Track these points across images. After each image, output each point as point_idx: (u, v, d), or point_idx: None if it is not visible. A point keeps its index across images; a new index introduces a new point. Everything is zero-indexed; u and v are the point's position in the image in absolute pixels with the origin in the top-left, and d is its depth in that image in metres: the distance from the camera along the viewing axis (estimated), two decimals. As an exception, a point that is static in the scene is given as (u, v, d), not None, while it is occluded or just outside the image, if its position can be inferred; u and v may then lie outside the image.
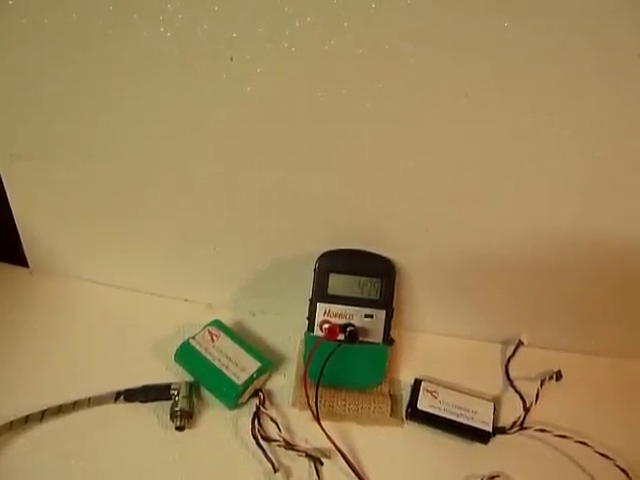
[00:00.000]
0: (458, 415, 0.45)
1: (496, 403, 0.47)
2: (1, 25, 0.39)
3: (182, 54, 0.39)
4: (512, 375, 0.51)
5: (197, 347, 0.48)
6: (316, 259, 0.48)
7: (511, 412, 0.47)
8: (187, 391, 0.45)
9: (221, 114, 0.42)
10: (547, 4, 0.33)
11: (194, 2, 0.36)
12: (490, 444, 0.45)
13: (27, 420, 0.42)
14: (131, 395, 0.45)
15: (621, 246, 0.45)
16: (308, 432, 0.44)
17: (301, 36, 0.36)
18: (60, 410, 0.43)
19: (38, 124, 0.45)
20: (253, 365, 0.47)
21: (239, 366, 0.46)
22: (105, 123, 0.44)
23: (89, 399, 0.44)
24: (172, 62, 0.39)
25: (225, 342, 0.48)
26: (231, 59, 0.38)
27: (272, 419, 0.44)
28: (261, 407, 0.45)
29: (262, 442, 0.43)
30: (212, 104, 0.41)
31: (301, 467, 0.42)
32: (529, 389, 0.49)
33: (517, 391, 0.49)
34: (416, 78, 0.38)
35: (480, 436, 0.45)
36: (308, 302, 0.48)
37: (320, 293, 0.47)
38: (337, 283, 0.47)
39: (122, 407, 0.45)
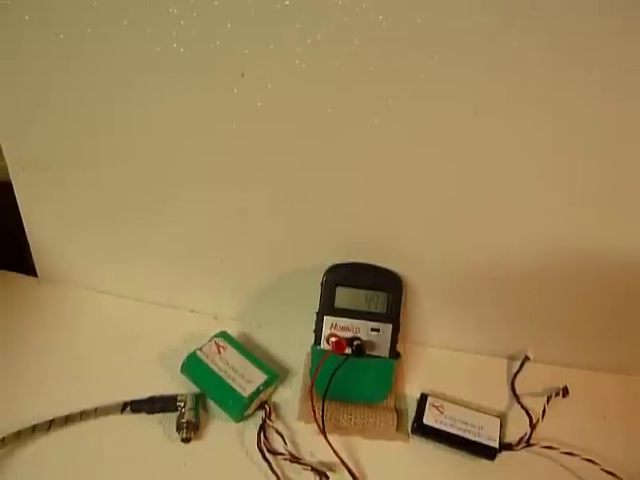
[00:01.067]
0: (464, 430, 0.45)
1: (502, 419, 0.47)
2: (15, 39, 0.40)
3: (194, 69, 0.39)
4: (518, 391, 0.51)
5: (204, 359, 0.48)
6: (323, 272, 0.48)
7: (517, 428, 0.47)
8: (193, 403, 0.45)
9: (231, 128, 0.42)
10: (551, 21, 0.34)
11: (207, 19, 0.37)
12: (496, 460, 0.44)
13: (34, 430, 0.42)
14: (137, 406, 0.45)
15: (627, 263, 0.45)
16: (314, 445, 0.44)
17: (312, 53, 0.37)
18: (67, 420, 0.44)
19: (48, 136, 0.46)
20: (259, 377, 0.47)
21: (245, 378, 0.46)
22: (115, 136, 0.45)
23: (96, 409, 0.44)
24: (184, 76, 0.40)
25: (231, 354, 0.48)
26: (242, 75, 0.39)
27: (278, 432, 0.44)
28: (267, 420, 0.45)
29: (268, 455, 0.43)
30: (223, 118, 0.42)
31: (306, 481, 0.42)
32: (535, 405, 0.48)
33: (523, 407, 0.49)
34: (425, 94, 0.38)
35: (486, 452, 0.44)
36: (315, 315, 0.48)
37: (327, 306, 0.48)
38: (344, 296, 0.48)
39: (128, 418, 0.45)
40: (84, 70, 0.41)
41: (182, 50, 0.38)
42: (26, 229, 0.54)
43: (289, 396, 0.49)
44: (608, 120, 0.38)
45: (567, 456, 0.44)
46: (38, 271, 0.57)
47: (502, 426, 0.47)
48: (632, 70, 0.35)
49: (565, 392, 0.50)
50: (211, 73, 0.39)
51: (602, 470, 0.43)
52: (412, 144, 0.41)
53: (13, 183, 0.50)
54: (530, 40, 0.35)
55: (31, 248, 0.55)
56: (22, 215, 0.52)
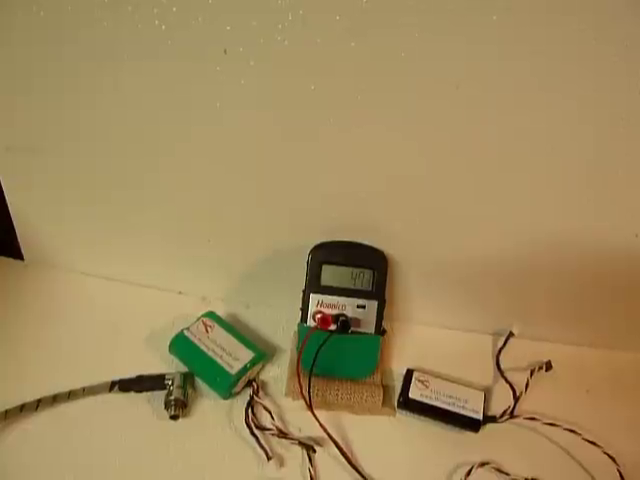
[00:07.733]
0: (449, 404, 0.46)
1: (487, 393, 0.48)
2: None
3: (176, 46, 0.39)
4: (503, 366, 0.51)
5: (191, 338, 0.48)
6: (309, 251, 0.48)
7: (501, 402, 0.48)
8: (181, 381, 0.46)
9: (215, 105, 0.42)
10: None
11: (188, -5, 0.37)
12: (480, 432, 0.45)
13: (22, 409, 0.43)
14: (126, 385, 0.46)
15: (611, 244, 0.46)
16: (301, 421, 0.45)
17: (294, 29, 0.37)
18: (55, 399, 0.44)
19: (32, 117, 0.46)
20: (247, 355, 0.47)
21: (233, 356, 0.47)
22: (98, 116, 0.45)
23: (84, 389, 0.45)
24: (166, 54, 0.40)
25: (219, 333, 0.49)
26: (225, 52, 0.39)
27: (266, 408, 0.45)
28: (255, 397, 0.46)
29: (256, 431, 0.43)
30: (206, 95, 0.41)
31: (294, 455, 0.43)
32: (519, 379, 0.49)
33: (507, 381, 0.49)
34: (408, 71, 0.38)
35: (471, 424, 0.45)
36: (301, 293, 0.48)
37: (313, 284, 0.48)
38: (330, 274, 0.48)
39: (117, 397, 0.45)
40: (64, 47, 0.41)
41: (164, 27, 0.38)
42: (11, 212, 0.54)
43: (277, 374, 0.49)
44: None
45: (549, 427, 0.45)
46: (24, 254, 0.57)
47: (486, 400, 0.47)
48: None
49: (548, 366, 0.50)
50: (193, 50, 0.39)
51: (583, 439, 0.44)
52: (395, 122, 0.41)
53: (-4, 166, 0.50)
54: (511, 15, 0.35)
55: (17, 231, 0.55)
56: (7, 198, 0.52)
